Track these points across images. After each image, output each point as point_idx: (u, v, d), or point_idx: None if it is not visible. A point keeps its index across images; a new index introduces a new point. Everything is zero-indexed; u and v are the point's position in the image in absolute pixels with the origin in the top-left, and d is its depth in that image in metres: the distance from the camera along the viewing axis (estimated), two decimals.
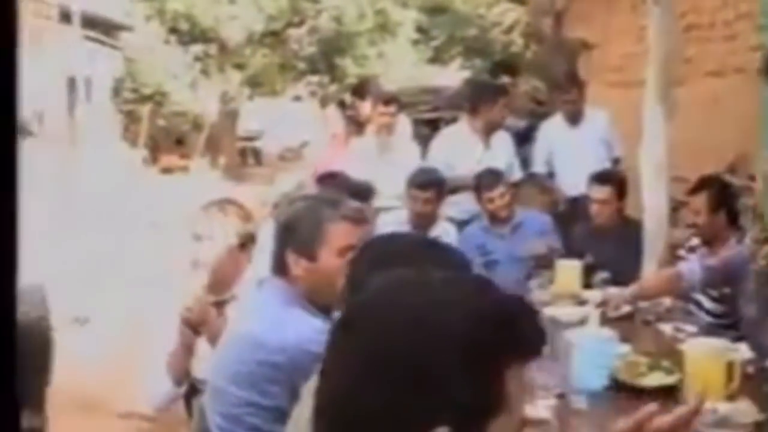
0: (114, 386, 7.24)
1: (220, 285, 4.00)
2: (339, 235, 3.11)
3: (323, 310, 3.07)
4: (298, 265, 3.14)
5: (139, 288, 10.26)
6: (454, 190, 6.96)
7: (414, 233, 5.60)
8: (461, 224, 6.85)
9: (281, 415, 2.95)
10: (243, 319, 3.32)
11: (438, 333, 1.39)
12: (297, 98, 25.51)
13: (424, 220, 6.32)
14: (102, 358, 8.32)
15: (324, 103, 23.55)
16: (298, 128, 23.97)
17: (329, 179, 5.92)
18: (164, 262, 12.32)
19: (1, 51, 1.29)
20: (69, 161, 13.30)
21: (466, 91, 9.02)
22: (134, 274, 11.21)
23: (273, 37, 22.67)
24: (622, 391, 3.78)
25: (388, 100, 7.96)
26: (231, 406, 3.13)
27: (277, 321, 3.08)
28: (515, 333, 1.45)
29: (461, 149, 7.28)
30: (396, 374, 1.39)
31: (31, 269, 5.56)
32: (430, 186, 6.37)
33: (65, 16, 13.53)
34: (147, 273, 11.30)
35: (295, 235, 3.18)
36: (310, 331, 2.95)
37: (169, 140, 22.53)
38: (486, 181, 6.55)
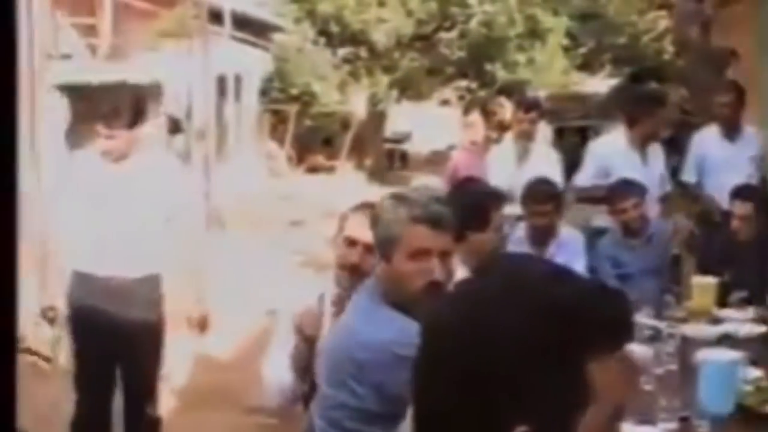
0: (242, 382, 7.31)
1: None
2: (413, 237, 3.01)
3: (401, 309, 3.00)
4: (378, 264, 3.09)
5: (275, 285, 10.36)
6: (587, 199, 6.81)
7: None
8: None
9: (372, 418, 2.90)
10: (344, 316, 3.30)
11: (512, 330, 1.33)
12: (444, 102, 25.52)
13: (542, 233, 6.09)
14: (233, 354, 8.42)
15: (470, 107, 23.46)
16: (445, 132, 23.98)
17: (462, 183, 5.86)
18: (303, 261, 12.48)
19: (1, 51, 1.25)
20: (216, 158, 13.54)
21: (619, 100, 8.83)
22: (271, 271, 11.32)
23: (422, 41, 22.71)
24: (749, 419, 3.59)
25: (530, 106, 7.86)
26: (327, 407, 3.11)
27: (367, 318, 3.04)
28: (595, 324, 1.37)
29: (618, 160, 7.02)
30: (475, 374, 1.33)
31: (176, 267, 5.67)
32: (549, 199, 6.14)
33: (216, 16, 13.77)
34: (284, 271, 11.42)
35: (375, 233, 3.13)
36: (395, 332, 2.90)
37: (315, 141, 22.80)
38: (620, 191, 6.36)
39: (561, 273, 1.45)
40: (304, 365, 3.80)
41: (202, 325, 5.78)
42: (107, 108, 5.13)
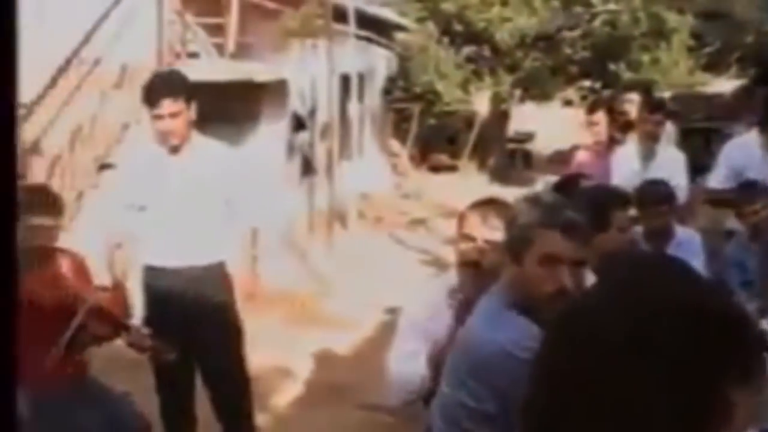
0: (361, 379, 7.36)
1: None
2: (544, 242, 2.98)
3: (527, 314, 2.97)
4: (509, 267, 3.07)
5: (397, 283, 10.40)
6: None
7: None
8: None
9: (489, 420, 2.89)
10: (470, 317, 3.28)
11: (650, 342, 1.29)
12: (568, 102, 25.26)
13: (659, 235, 5.98)
14: (353, 351, 8.48)
15: (594, 108, 23.10)
16: (568, 132, 23.73)
17: (582, 184, 5.79)
18: (425, 260, 12.51)
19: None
20: (339, 156, 13.63)
21: (745, 101, 8.60)
22: (393, 269, 11.37)
23: (545, 41, 22.52)
24: None
25: (656, 107, 7.74)
26: (447, 406, 3.11)
27: (491, 319, 3.02)
28: (744, 346, 1.32)
29: (752, 163, 6.82)
30: (604, 387, 1.30)
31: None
32: (664, 200, 6.02)
33: (341, 15, 13.87)
34: (406, 269, 11.45)
35: (508, 234, 3.11)
36: (519, 335, 2.87)
37: (438, 139, 22.81)
38: (749, 193, 6.21)
39: (709, 285, 1.40)
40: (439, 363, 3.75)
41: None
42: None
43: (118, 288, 4.99)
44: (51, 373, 4.57)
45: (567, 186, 5.41)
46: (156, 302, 5.33)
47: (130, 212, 5.33)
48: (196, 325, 5.31)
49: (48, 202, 4.87)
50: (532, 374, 1.45)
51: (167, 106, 5.09)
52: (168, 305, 5.28)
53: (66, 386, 4.68)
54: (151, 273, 5.37)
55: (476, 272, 3.72)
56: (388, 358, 4.06)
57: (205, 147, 5.39)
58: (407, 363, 3.91)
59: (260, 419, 6.71)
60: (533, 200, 3.17)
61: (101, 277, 5.02)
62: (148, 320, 5.32)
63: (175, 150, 5.25)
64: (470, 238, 3.80)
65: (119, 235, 5.34)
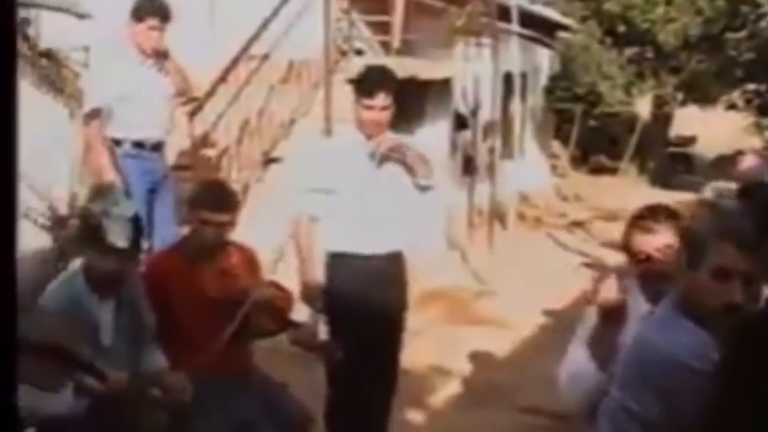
0: (518, 380, 7.30)
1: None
2: (718, 253, 2.85)
3: (700, 323, 2.87)
4: (685, 273, 2.97)
5: (555, 286, 10.31)
6: None
7: None
8: None
9: (655, 427, 2.82)
10: (643, 323, 3.21)
11: None
12: (732, 106, 24.56)
13: None
14: (510, 352, 8.43)
15: (764, 110, 22.53)
16: (732, 137, 23.14)
17: (752, 190, 5.63)
18: (584, 262, 12.35)
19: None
20: (501, 156, 13.57)
21: None
22: (552, 271, 11.27)
23: (709, 42, 21.94)
24: None
25: None
26: (614, 410, 3.05)
27: (665, 325, 2.94)
28: None
29: None
30: None
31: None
32: None
33: (504, 14, 13.80)
34: (564, 271, 11.33)
35: (685, 240, 3.02)
36: (691, 344, 2.78)
37: (599, 141, 22.48)
38: None
39: None
40: (606, 352, 3.64)
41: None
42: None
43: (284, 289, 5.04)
44: (216, 363, 4.66)
45: (749, 192, 5.26)
46: (336, 288, 5.38)
47: (316, 195, 5.39)
48: (372, 313, 5.32)
49: (223, 197, 4.97)
50: (713, 389, 1.40)
51: (382, 99, 5.29)
52: (349, 291, 5.32)
53: (230, 377, 4.76)
54: (335, 259, 5.42)
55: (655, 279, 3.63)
56: (563, 361, 3.98)
57: (394, 139, 5.48)
58: (581, 369, 3.80)
59: (416, 417, 6.74)
60: (712, 208, 3.06)
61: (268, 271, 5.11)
62: (327, 305, 5.39)
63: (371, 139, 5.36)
64: (638, 251, 3.71)
65: (305, 217, 5.42)
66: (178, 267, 4.82)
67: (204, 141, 9.14)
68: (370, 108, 5.29)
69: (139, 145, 7.06)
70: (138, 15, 6.99)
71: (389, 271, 5.43)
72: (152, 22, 7.00)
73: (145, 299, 4.60)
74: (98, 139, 6.90)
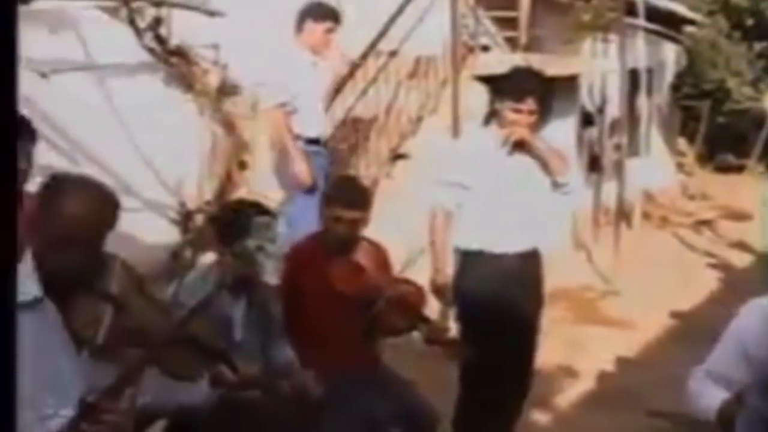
0: (648, 383, 7.20)
1: None
2: None
3: None
4: None
5: (683, 287, 10.15)
6: None
7: None
8: None
9: None
10: None
11: None
12: None
13: None
14: (639, 354, 8.32)
15: None
16: None
17: None
18: (711, 263, 12.13)
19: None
20: (627, 153, 13.39)
21: None
22: (678, 271, 11.10)
23: None
24: None
25: None
26: (751, 422, 2.97)
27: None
28: None
29: None
30: None
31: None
32: None
33: (631, 8, 13.59)
34: (691, 272, 11.15)
35: None
36: None
37: (725, 138, 21.99)
38: None
39: None
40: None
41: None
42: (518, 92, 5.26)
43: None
44: (346, 359, 4.69)
45: None
46: (469, 288, 5.36)
47: (452, 189, 5.38)
48: (506, 314, 5.28)
49: (356, 194, 5.00)
50: None
51: (531, 103, 5.24)
52: (482, 291, 5.29)
53: (359, 374, 4.80)
54: (468, 258, 5.40)
55: None
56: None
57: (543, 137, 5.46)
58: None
59: (543, 418, 6.71)
60: None
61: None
62: (460, 305, 5.38)
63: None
64: None
65: (441, 210, 5.41)
66: (314, 258, 4.88)
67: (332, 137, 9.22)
68: (517, 111, 5.25)
69: (314, 141, 7.27)
70: (314, 18, 7.28)
71: (524, 270, 5.38)
72: (327, 24, 7.31)
73: (275, 293, 4.66)
74: (289, 138, 7.14)
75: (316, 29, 7.25)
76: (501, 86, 5.45)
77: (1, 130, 1.29)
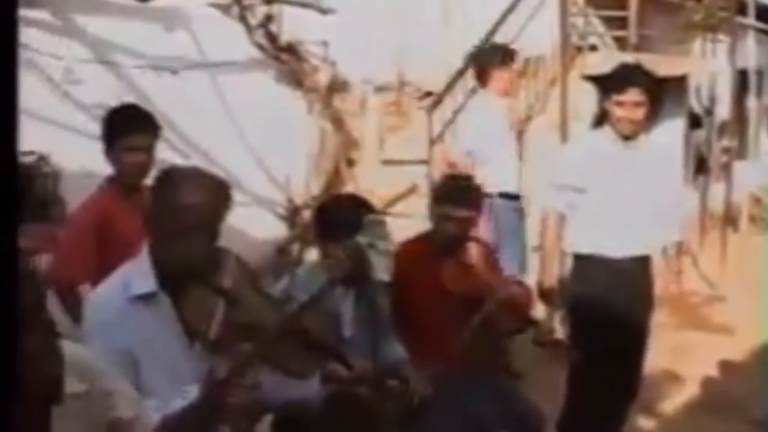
0: (752, 392, 7.09)
1: None
2: None
3: None
4: None
5: None
6: None
7: None
8: None
9: None
10: None
11: None
12: None
13: None
14: (744, 362, 8.18)
15: None
16: None
17: None
18: None
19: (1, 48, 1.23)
20: (736, 156, 13.14)
21: None
22: None
23: None
24: None
25: None
26: None
27: None
28: None
29: None
30: None
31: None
32: None
33: (741, 8, 13.32)
34: None
35: None
36: None
37: None
38: None
39: None
40: None
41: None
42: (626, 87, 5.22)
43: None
44: (454, 359, 4.69)
45: None
46: (581, 292, 5.32)
47: (565, 193, 5.36)
48: (617, 320, 5.24)
49: (466, 193, 5.00)
50: None
51: (634, 94, 5.19)
52: (594, 296, 5.26)
53: (467, 373, 4.79)
54: (581, 262, 5.37)
55: None
56: None
57: (654, 139, 5.41)
58: None
59: (647, 424, 6.64)
60: None
61: None
62: (571, 309, 5.35)
63: (628, 138, 5.28)
64: None
65: (553, 214, 5.40)
66: (422, 256, 4.89)
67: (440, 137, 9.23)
68: (621, 104, 5.21)
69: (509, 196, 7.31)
70: (499, 64, 7.33)
71: (636, 274, 5.34)
72: (514, 66, 7.45)
73: (384, 289, 4.67)
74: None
75: (502, 75, 7.34)
76: (606, 83, 5.41)
77: (1, 130, 1.31)
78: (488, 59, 7.25)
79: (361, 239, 3.74)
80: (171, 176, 3.24)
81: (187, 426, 2.90)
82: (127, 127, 4.72)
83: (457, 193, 4.95)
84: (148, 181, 3.97)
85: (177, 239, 3.12)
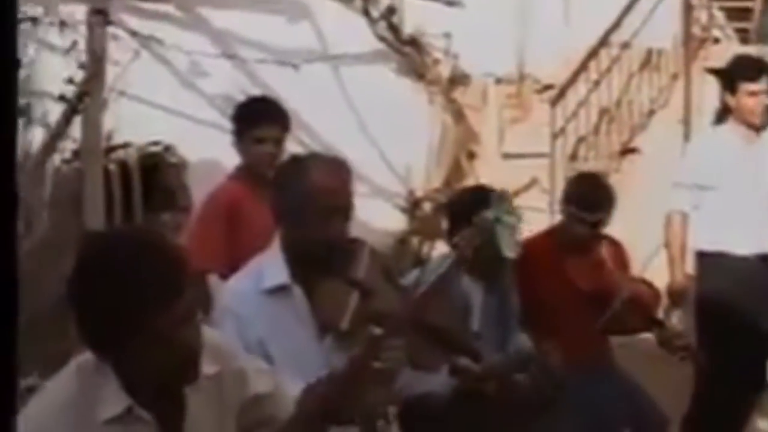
0: None
1: None
2: None
3: None
4: None
5: None
6: None
7: None
8: None
9: None
10: None
11: None
12: None
13: None
14: None
15: None
16: None
17: None
18: None
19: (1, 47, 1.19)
20: None
21: None
22: None
23: None
24: None
25: None
26: None
27: None
28: None
29: None
30: None
31: None
32: None
33: None
34: None
35: None
36: None
37: None
38: None
39: None
40: None
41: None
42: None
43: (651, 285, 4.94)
44: (581, 355, 4.64)
45: None
46: (708, 291, 5.23)
47: (690, 191, 5.25)
48: (745, 319, 5.14)
49: (597, 196, 4.82)
50: None
51: (765, 83, 5.15)
52: (722, 295, 5.16)
53: (593, 371, 4.75)
54: (707, 259, 5.27)
55: None
56: None
57: None
58: None
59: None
60: None
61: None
62: (698, 308, 5.26)
63: (757, 130, 5.19)
64: None
65: (678, 213, 5.30)
66: (547, 252, 4.83)
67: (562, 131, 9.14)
68: (753, 94, 5.08)
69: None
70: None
71: (764, 273, 5.22)
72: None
73: (514, 281, 4.63)
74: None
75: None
76: (736, 73, 5.28)
77: (1, 130, 1.32)
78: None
79: (488, 214, 3.70)
80: (302, 163, 3.24)
81: (334, 396, 2.84)
82: (258, 118, 4.79)
83: (587, 196, 4.79)
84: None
85: (316, 225, 3.10)
